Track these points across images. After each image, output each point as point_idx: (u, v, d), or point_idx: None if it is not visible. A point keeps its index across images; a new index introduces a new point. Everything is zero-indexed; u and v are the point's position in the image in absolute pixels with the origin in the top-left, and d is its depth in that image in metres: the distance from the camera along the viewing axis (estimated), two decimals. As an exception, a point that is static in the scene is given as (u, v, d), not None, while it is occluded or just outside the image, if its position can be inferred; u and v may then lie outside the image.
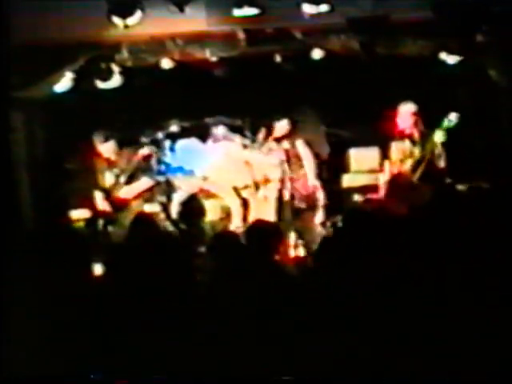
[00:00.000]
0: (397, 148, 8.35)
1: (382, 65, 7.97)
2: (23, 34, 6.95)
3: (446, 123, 7.98)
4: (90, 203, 8.11)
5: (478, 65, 8.07)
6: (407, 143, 8.33)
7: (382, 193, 8.23)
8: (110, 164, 8.33)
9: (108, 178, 8.31)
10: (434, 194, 7.68)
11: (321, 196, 8.33)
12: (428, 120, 8.22)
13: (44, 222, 7.50)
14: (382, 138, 8.37)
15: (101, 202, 8.15)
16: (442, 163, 8.15)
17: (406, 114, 8.28)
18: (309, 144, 8.43)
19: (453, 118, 7.95)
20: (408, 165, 8.22)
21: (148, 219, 7.65)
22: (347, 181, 8.45)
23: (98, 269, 5.64)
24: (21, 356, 4.31)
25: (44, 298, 4.49)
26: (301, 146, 8.44)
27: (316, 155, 8.42)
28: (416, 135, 8.30)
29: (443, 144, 8.13)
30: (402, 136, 8.34)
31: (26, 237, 5.94)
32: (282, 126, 8.42)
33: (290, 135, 8.48)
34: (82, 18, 7.06)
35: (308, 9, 7.29)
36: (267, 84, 8.08)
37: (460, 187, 7.70)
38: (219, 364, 4.30)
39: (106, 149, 8.29)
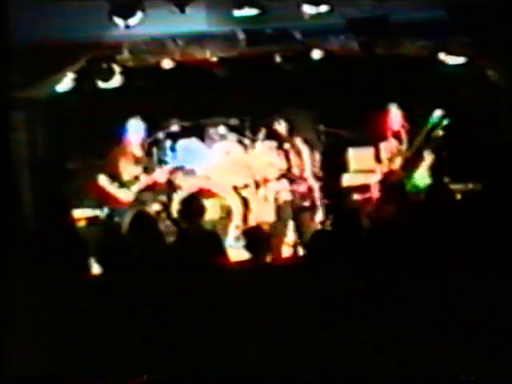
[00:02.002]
0: (395, 147, 8.38)
1: (381, 65, 7.98)
2: (24, 34, 6.95)
3: (433, 120, 8.06)
4: (90, 203, 8.12)
5: (478, 65, 8.08)
6: (406, 143, 8.35)
7: (381, 193, 8.26)
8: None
9: (107, 178, 8.32)
10: (433, 193, 7.72)
11: (320, 195, 8.35)
12: (427, 120, 8.26)
13: (45, 221, 7.52)
14: (381, 137, 8.40)
15: (101, 202, 8.16)
16: (439, 162, 8.18)
17: (397, 114, 8.35)
18: (308, 144, 8.45)
19: (438, 114, 8.04)
20: (407, 165, 8.24)
21: (148, 218, 7.69)
22: (346, 180, 8.48)
23: (98, 269, 5.66)
24: (21, 356, 4.33)
25: (44, 297, 4.51)
26: (300, 146, 8.46)
27: (315, 155, 8.44)
28: (413, 135, 8.33)
29: (442, 144, 8.17)
30: (399, 136, 8.37)
31: (26, 237, 5.97)
32: (282, 128, 8.45)
33: (289, 135, 8.50)
34: (83, 19, 7.07)
35: (308, 9, 7.30)
36: (267, 84, 8.09)
37: (459, 187, 7.74)
38: (219, 364, 4.32)
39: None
